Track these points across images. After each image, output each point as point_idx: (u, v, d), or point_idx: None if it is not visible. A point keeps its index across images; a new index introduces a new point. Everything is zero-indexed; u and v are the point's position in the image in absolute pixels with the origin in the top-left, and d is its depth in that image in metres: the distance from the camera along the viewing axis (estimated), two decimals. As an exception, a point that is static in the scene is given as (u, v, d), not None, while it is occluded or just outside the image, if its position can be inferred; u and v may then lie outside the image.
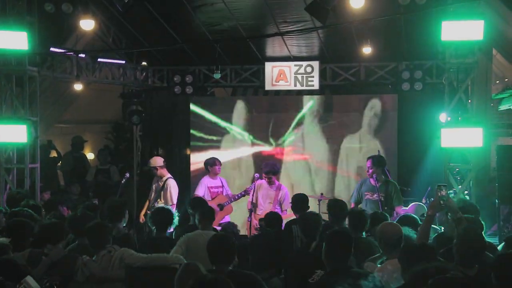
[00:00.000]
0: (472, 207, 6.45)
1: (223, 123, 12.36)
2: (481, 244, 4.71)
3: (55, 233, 5.96)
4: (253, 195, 9.50)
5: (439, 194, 5.24)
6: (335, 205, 6.99)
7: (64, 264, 5.51)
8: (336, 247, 4.64)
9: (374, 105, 11.93)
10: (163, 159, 10.01)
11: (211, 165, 10.02)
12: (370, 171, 8.78)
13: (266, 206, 9.44)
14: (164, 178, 9.76)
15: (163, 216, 6.86)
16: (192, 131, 12.41)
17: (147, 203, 10.01)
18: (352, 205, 8.96)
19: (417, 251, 4.53)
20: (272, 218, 7.52)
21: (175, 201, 9.61)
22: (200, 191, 9.90)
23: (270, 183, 9.52)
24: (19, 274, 4.82)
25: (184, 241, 6.28)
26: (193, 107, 12.39)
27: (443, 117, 10.84)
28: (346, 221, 6.61)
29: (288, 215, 9.12)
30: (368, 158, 9.10)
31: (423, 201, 9.16)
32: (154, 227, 6.86)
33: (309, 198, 8.11)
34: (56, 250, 5.71)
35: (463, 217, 5.29)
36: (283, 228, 7.60)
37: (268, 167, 9.55)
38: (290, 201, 8.48)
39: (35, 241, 5.94)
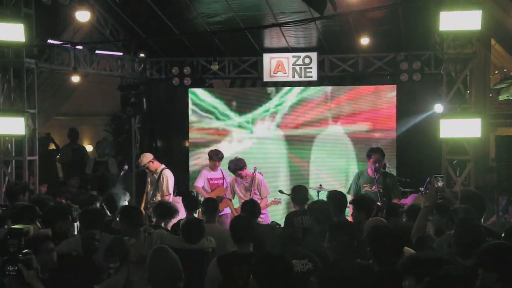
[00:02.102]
0: (475, 195, 6.39)
1: (221, 114, 12.34)
2: (476, 234, 4.70)
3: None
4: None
5: (435, 185, 5.22)
6: (336, 196, 6.98)
7: (117, 247, 5.44)
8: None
9: (373, 95, 11.92)
10: (150, 154, 9.96)
11: (212, 159, 10.00)
12: (377, 165, 8.71)
13: (248, 197, 9.40)
14: (159, 170, 9.74)
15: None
16: (190, 123, 12.40)
17: (144, 196, 9.95)
18: (351, 198, 8.95)
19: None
20: (250, 205, 7.36)
21: (171, 191, 9.58)
22: (200, 182, 9.90)
23: (242, 177, 9.53)
24: None
25: None
26: (191, 98, 12.37)
27: (438, 107, 10.86)
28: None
29: (268, 202, 9.44)
30: (374, 151, 8.86)
31: (421, 191, 9.14)
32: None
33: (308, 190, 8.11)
34: (103, 235, 5.73)
35: (459, 208, 5.28)
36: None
37: (232, 166, 9.50)
38: (267, 186, 9.37)
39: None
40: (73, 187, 10.94)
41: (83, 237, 5.71)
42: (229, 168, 9.55)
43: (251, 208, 7.13)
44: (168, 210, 6.84)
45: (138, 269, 5.42)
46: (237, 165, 9.52)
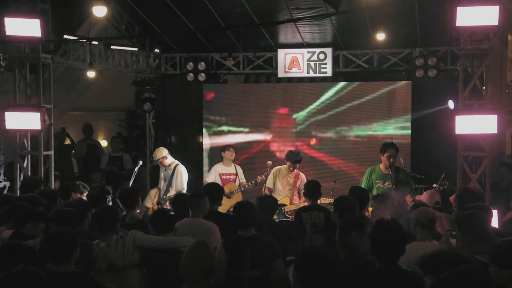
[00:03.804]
0: (474, 195, 6.33)
1: (236, 111, 12.36)
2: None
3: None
4: (267, 180, 9.55)
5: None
6: (357, 192, 6.97)
7: (81, 256, 5.18)
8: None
9: (388, 92, 11.88)
10: (165, 148, 9.99)
11: (223, 151, 10.08)
12: (392, 160, 8.66)
13: (286, 192, 9.44)
14: (173, 165, 9.76)
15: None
16: (205, 119, 12.43)
17: (156, 191, 9.93)
18: None
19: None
20: (268, 200, 7.42)
21: (185, 187, 9.61)
22: (210, 178, 9.91)
23: (292, 170, 9.51)
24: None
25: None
26: (206, 93, 12.40)
27: (451, 103, 10.81)
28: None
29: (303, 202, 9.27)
30: (388, 146, 8.85)
31: (435, 187, 9.08)
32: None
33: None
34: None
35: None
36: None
37: (295, 157, 9.49)
38: None
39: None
40: (94, 182, 10.99)
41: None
42: (291, 158, 9.44)
43: (269, 204, 7.19)
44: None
45: (112, 276, 5.42)
46: (298, 156, 9.53)
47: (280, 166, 9.71)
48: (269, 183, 9.59)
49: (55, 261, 4.53)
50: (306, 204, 8.47)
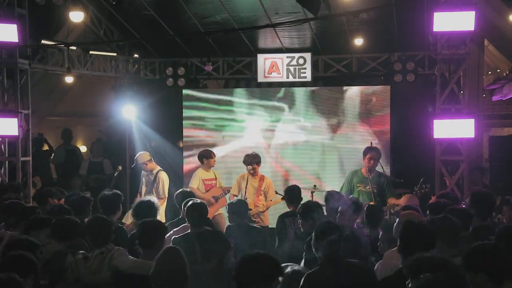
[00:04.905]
0: (484, 197, 6.36)
1: (216, 115, 12.33)
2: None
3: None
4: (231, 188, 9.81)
5: None
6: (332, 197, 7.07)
7: (54, 264, 5.18)
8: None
9: (367, 96, 11.93)
10: (148, 153, 9.98)
11: (207, 158, 10.01)
12: (372, 162, 8.73)
13: (251, 197, 9.46)
14: (155, 171, 9.74)
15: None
16: (184, 124, 12.39)
17: (137, 197, 9.92)
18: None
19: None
20: (237, 205, 7.52)
21: (166, 194, 9.60)
22: (195, 183, 9.89)
23: (254, 174, 9.54)
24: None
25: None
26: (186, 99, 12.35)
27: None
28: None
29: (272, 205, 9.55)
30: (370, 149, 8.95)
31: (415, 191, 9.15)
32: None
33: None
34: (49, 246, 5.44)
35: None
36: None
37: (251, 158, 9.62)
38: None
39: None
40: (74, 188, 10.91)
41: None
42: (247, 160, 9.56)
43: (238, 209, 7.28)
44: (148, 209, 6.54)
45: None
46: (256, 157, 9.61)
47: (243, 172, 9.82)
48: (233, 191, 9.73)
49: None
50: (270, 206, 9.46)
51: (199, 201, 6.64)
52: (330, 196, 7.27)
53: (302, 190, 8.00)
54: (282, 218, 7.40)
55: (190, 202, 6.44)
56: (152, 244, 5.22)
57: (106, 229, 5.56)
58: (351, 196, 8.32)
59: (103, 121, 15.40)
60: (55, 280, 5.14)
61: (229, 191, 9.90)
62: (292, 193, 7.82)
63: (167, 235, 6.00)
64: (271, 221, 9.51)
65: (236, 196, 9.52)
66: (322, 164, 12.03)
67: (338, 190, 8.54)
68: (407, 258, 4.13)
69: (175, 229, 6.67)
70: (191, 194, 7.47)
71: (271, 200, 9.62)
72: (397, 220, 5.45)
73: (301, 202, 7.39)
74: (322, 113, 12.03)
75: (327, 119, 12.02)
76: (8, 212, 6.52)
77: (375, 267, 5.24)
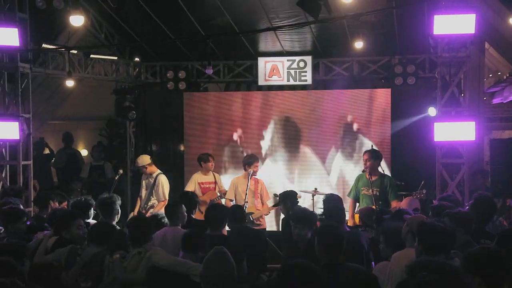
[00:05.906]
0: (485, 200, 6.35)
1: (217, 118, 12.34)
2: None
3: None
4: (226, 193, 9.80)
5: None
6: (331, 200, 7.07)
7: (95, 266, 5.27)
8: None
9: (367, 99, 11.93)
10: (149, 156, 9.98)
11: (205, 161, 10.00)
12: (368, 163, 8.76)
13: (250, 200, 9.45)
14: (155, 174, 9.74)
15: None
16: (186, 127, 12.39)
17: (138, 201, 9.95)
18: (351, 201, 8.97)
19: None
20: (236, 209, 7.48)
21: (167, 197, 9.59)
22: (190, 187, 9.88)
23: (253, 174, 9.53)
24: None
25: None
26: (186, 102, 12.37)
27: (432, 111, 10.90)
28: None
29: (267, 207, 9.60)
30: (365, 151, 9.09)
31: (415, 194, 9.16)
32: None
33: (302, 193, 8.15)
34: (86, 250, 5.55)
35: None
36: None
37: (253, 158, 9.68)
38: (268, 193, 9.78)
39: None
40: (75, 191, 10.91)
41: (70, 250, 5.59)
42: (249, 160, 9.58)
43: (237, 212, 7.22)
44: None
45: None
46: (252, 157, 9.63)
47: (238, 176, 9.86)
48: (229, 195, 9.72)
49: None
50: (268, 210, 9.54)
51: (218, 203, 6.72)
52: (328, 198, 7.28)
53: (302, 192, 8.03)
54: (287, 220, 7.40)
55: (211, 205, 6.76)
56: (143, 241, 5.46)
57: (145, 229, 5.64)
58: None
59: (104, 124, 15.43)
60: (96, 282, 5.19)
61: (225, 194, 9.90)
62: (287, 198, 7.83)
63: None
64: (268, 223, 9.59)
65: (232, 200, 9.55)
66: (322, 166, 12.03)
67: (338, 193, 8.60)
68: None
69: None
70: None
71: (274, 206, 9.71)
72: (405, 223, 5.41)
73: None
74: (323, 116, 12.03)
75: (328, 122, 12.02)
76: (8, 217, 6.52)
77: (376, 268, 5.24)
